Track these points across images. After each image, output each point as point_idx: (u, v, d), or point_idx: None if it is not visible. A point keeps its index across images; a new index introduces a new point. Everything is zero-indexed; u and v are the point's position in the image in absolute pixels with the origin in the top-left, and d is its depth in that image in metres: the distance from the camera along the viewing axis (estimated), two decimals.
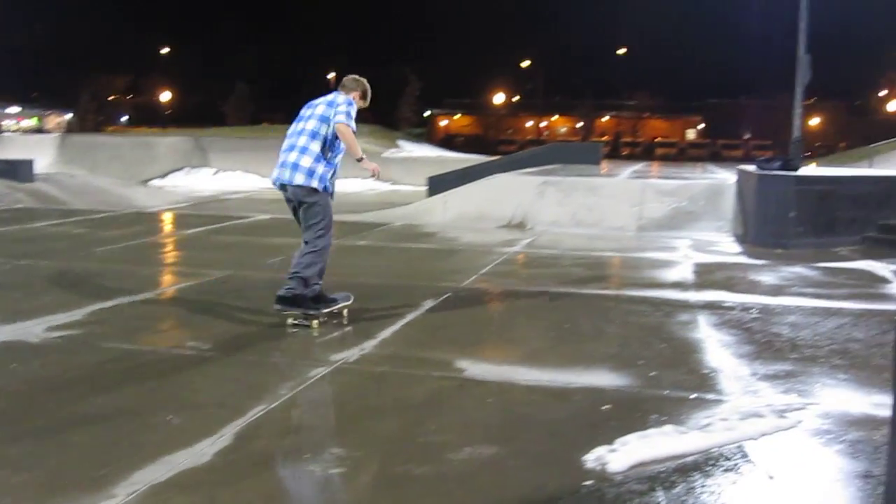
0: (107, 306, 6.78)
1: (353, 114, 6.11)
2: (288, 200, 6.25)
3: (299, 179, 5.96)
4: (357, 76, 6.51)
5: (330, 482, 3.43)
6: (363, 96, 6.46)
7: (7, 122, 61.24)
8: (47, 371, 5.00)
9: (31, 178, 18.66)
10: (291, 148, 6.08)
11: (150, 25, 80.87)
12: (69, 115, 69.97)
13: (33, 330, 5.90)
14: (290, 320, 6.09)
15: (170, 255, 10.47)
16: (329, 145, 6.08)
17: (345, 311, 6.33)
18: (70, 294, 7.23)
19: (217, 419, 4.11)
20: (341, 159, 6.29)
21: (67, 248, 10.26)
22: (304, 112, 6.22)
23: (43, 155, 27.31)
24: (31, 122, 67.21)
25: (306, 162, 5.98)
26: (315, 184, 5.98)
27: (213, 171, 28.87)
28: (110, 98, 79.24)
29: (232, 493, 3.31)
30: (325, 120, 6.05)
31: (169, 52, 79.77)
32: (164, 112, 75.83)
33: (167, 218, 15.02)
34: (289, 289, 5.96)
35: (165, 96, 77.61)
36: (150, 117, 72.79)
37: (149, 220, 14.27)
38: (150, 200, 18.14)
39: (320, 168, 6.03)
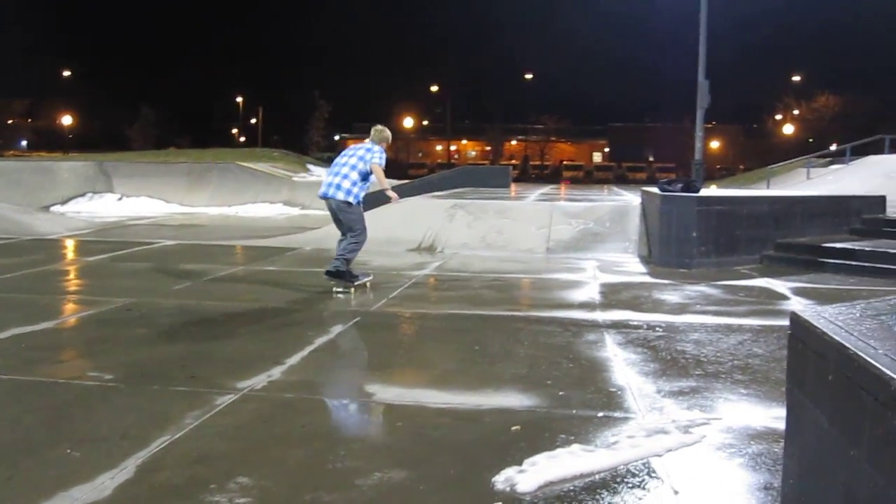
0: (3, 337, 6.52)
1: (385, 158, 8.93)
2: (329, 209, 8.95)
3: (340, 196, 8.73)
4: (382, 127, 9.22)
5: None
6: (389, 145, 9.27)
7: None
8: None
9: None
10: (336, 174, 8.82)
11: (50, 47, 78.85)
12: None
13: None
14: (334, 289, 8.88)
15: (71, 283, 10.14)
16: (362, 177, 8.80)
17: (367, 284, 9.17)
18: None
19: (119, 451, 3.98)
20: (362, 187, 8.91)
21: None
22: (348, 152, 9.06)
23: None
24: None
25: (346, 184, 8.73)
26: (350, 199, 8.75)
27: (118, 196, 28.16)
28: (9, 122, 76.77)
29: None
30: (363, 160, 8.83)
31: (71, 76, 77.90)
32: (66, 136, 73.92)
33: (69, 245, 14.57)
34: (336, 266, 8.77)
35: (67, 120, 75.68)
36: (51, 142, 70.88)
37: (49, 248, 13.82)
38: (50, 227, 17.56)
39: (355, 189, 8.76)
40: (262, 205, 27.37)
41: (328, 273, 8.79)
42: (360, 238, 8.97)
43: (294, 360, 5.87)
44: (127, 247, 13.59)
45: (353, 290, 8.80)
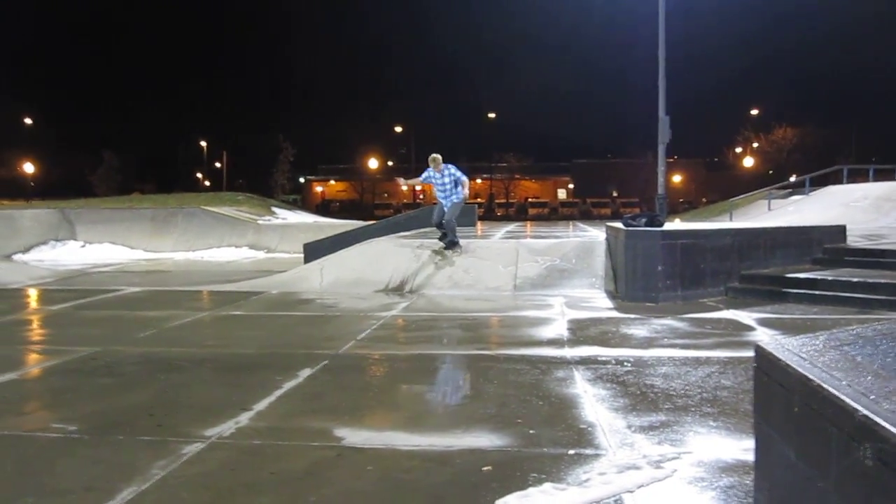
0: None
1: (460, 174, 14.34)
2: (440, 208, 14.33)
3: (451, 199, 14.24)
4: (435, 154, 14.27)
5: None
6: (437, 166, 14.23)
7: None
8: None
9: None
10: (443, 190, 14.27)
11: (9, 94, 78.27)
12: None
13: None
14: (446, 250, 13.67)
15: (34, 332, 9.98)
16: (455, 186, 14.19)
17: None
18: None
19: None
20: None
21: None
22: (437, 177, 14.22)
23: None
24: None
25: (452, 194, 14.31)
26: (455, 199, 14.14)
27: (81, 243, 27.82)
28: None
29: None
30: (452, 176, 14.13)
31: (32, 123, 77.36)
32: (28, 184, 73.18)
33: (31, 294, 14.38)
34: (446, 237, 14.11)
35: (29, 168, 74.99)
36: (13, 190, 70.07)
37: (11, 297, 13.61)
38: (12, 276, 17.31)
39: (454, 196, 14.16)
40: (227, 248, 27.18)
41: (444, 244, 14.18)
42: (456, 212, 14.25)
43: (262, 405, 5.81)
44: (91, 294, 13.43)
45: (459, 251, 14.08)
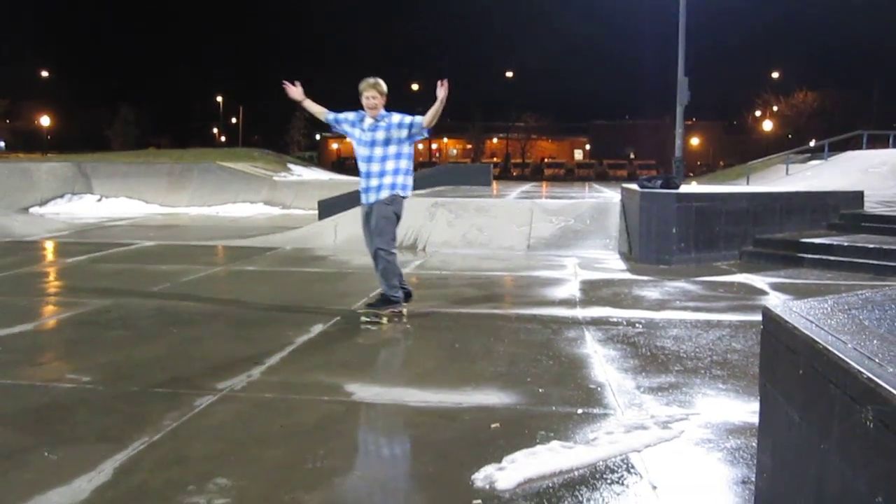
0: None
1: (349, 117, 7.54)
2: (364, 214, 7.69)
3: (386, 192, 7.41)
4: (377, 79, 7.44)
5: None
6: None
7: None
8: None
9: None
10: (369, 158, 7.41)
11: (28, 47, 78.24)
12: None
13: None
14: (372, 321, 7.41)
15: (50, 284, 10.07)
16: (398, 158, 7.40)
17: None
18: None
19: (96, 453, 3.96)
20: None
21: None
22: (368, 128, 7.35)
23: None
24: None
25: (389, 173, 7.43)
26: (392, 192, 7.32)
27: (97, 197, 27.98)
28: None
29: None
30: (400, 128, 7.38)
31: (49, 76, 77.36)
32: (44, 137, 73.35)
33: (47, 247, 14.48)
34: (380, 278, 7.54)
35: (45, 121, 75.12)
36: (29, 143, 70.31)
37: (27, 250, 13.72)
38: (28, 229, 17.45)
39: (388, 185, 7.33)
40: (242, 205, 27.26)
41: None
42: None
43: (274, 360, 5.86)
44: (106, 248, 13.51)
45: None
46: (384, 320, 7.15)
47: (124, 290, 9.05)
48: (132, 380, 5.35)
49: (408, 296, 7.55)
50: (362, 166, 7.30)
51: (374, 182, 7.22)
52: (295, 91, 7.61)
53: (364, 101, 7.24)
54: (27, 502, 3.38)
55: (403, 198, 7.35)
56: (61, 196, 27.88)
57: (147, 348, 6.24)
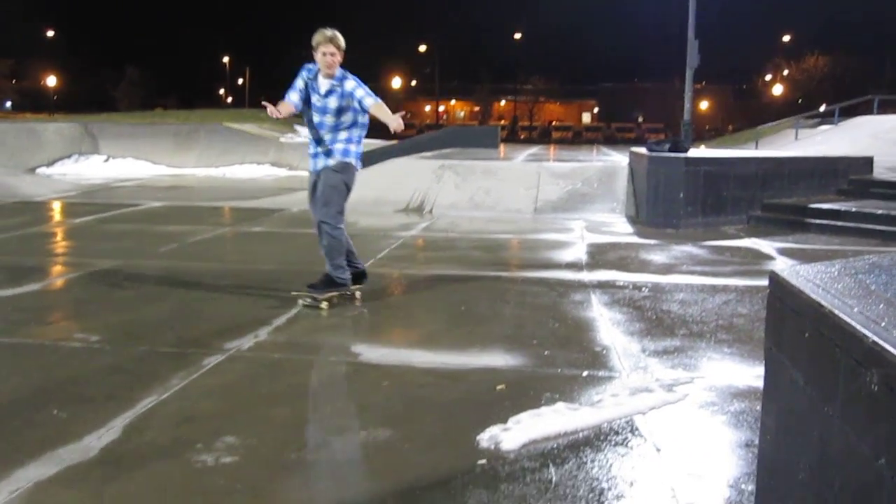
0: None
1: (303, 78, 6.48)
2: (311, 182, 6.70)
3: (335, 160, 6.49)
4: (333, 31, 6.38)
5: (222, 471, 3.37)
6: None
7: None
8: None
9: None
10: (321, 124, 6.50)
11: (33, 7, 77.78)
12: None
13: None
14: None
15: (57, 244, 10.10)
16: (352, 127, 6.52)
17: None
18: None
19: (105, 411, 4.00)
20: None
21: None
22: (323, 90, 6.37)
23: None
24: None
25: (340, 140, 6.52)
26: (340, 159, 6.43)
27: (104, 158, 27.89)
28: None
29: (120, 486, 3.22)
30: (351, 96, 6.36)
31: (55, 35, 77.01)
32: (51, 97, 73.18)
33: (55, 207, 14.49)
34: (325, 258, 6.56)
35: (52, 81, 74.89)
36: (36, 103, 70.12)
37: (35, 210, 13.74)
38: (35, 189, 17.44)
39: (340, 151, 6.44)
40: (249, 166, 27.18)
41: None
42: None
43: (280, 320, 5.88)
44: (113, 208, 13.53)
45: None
46: (324, 305, 6.24)
47: (132, 250, 9.07)
48: (140, 339, 5.38)
49: (360, 276, 6.68)
50: (312, 132, 6.46)
51: (323, 148, 6.37)
52: (274, 111, 6.33)
53: (319, 58, 6.25)
54: (38, 459, 3.42)
55: (356, 168, 6.47)
56: (68, 157, 27.82)
57: (155, 308, 6.27)
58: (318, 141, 6.39)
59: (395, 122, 6.05)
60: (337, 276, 6.34)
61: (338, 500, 3.14)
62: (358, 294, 6.59)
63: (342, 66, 6.35)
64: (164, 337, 5.44)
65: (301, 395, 4.33)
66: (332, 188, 6.31)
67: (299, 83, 6.41)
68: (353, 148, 6.42)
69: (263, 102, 6.35)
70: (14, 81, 79.79)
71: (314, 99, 6.35)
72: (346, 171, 6.36)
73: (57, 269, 8.31)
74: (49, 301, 6.87)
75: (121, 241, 9.95)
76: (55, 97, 74.73)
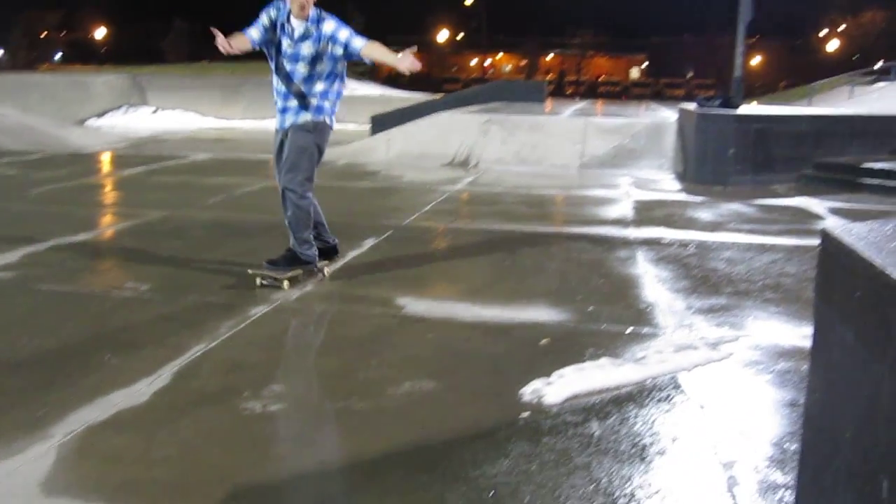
0: (42, 248, 6.64)
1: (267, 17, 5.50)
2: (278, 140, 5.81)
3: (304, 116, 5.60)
4: None
5: (269, 418, 3.43)
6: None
7: None
8: None
9: None
10: (291, 73, 5.57)
11: None
12: None
13: None
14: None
15: (107, 196, 10.27)
16: (330, 78, 5.62)
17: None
18: (3, 236, 7.05)
19: (155, 359, 4.08)
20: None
21: (0, 190, 10.01)
22: (295, 30, 5.44)
23: None
24: None
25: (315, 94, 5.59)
26: (311, 117, 5.56)
27: (153, 109, 28.14)
28: (42, 34, 76.54)
29: (170, 431, 3.30)
30: (328, 39, 5.44)
31: None
32: (100, 49, 73.70)
33: (104, 158, 14.69)
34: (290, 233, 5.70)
35: (101, 33, 75.42)
36: (85, 55, 70.66)
37: (84, 161, 13.94)
38: (85, 141, 17.67)
39: (314, 107, 5.59)
40: None
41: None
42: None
43: (326, 272, 5.93)
44: (162, 160, 13.68)
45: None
46: (285, 285, 5.47)
47: (180, 201, 9.18)
48: (189, 289, 5.47)
49: (329, 252, 5.93)
50: (280, 84, 5.55)
51: (292, 102, 5.49)
52: (224, 43, 5.23)
53: None
54: (91, 403, 3.51)
55: (330, 128, 5.66)
56: (117, 108, 28.10)
57: (203, 259, 6.36)
58: (288, 94, 5.51)
59: (403, 62, 5.11)
60: (301, 252, 5.58)
61: (384, 448, 3.18)
62: (326, 271, 5.83)
63: (316, 4, 5.41)
64: (211, 287, 5.53)
65: (346, 346, 4.38)
66: (300, 150, 5.49)
67: (264, 20, 5.46)
68: (327, 104, 5.56)
69: (213, 30, 5.31)
70: (63, 33, 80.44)
71: (285, 44, 5.42)
72: (318, 131, 5.54)
73: (107, 219, 8.45)
74: (100, 251, 7.00)
75: (169, 192, 10.07)
76: (104, 49, 75.22)
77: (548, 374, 3.86)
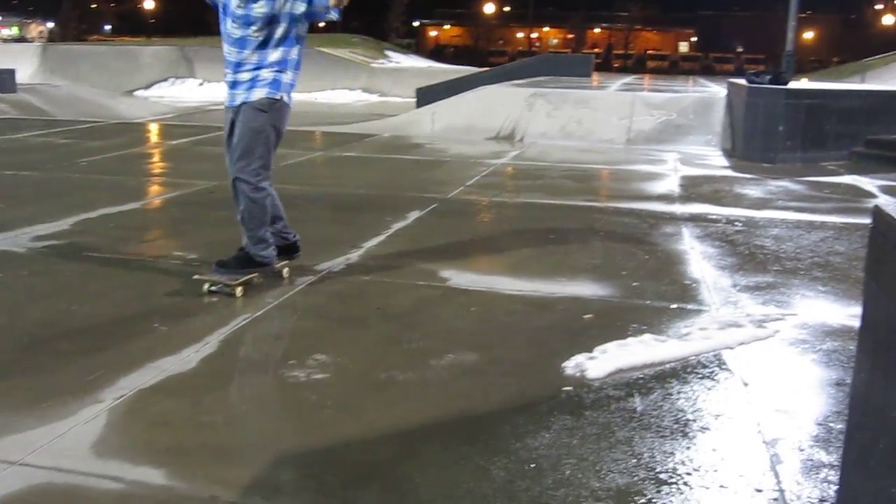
0: (92, 216, 6.75)
1: None
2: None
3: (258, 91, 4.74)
4: None
5: (314, 387, 3.48)
6: None
7: None
8: (34, 280, 5.01)
9: (13, 89, 18.32)
10: (242, 42, 4.64)
11: None
12: (50, 24, 68.57)
13: (19, 240, 5.88)
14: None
15: (155, 165, 10.39)
16: (285, 43, 4.70)
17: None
18: (55, 204, 7.18)
19: (203, 326, 4.15)
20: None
21: (51, 159, 10.17)
22: None
23: (25, 64, 26.81)
24: (12, 31, 65.84)
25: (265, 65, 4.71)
26: (264, 93, 4.71)
27: (199, 81, 28.44)
28: (93, 6, 77.33)
29: (217, 397, 3.36)
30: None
31: None
32: (148, 21, 74.26)
33: (152, 129, 14.87)
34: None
35: (150, 4, 75.97)
36: (134, 26, 71.33)
37: (133, 131, 14.13)
38: (134, 111, 17.92)
39: (266, 80, 4.70)
40: (341, 91, 27.38)
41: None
42: None
43: (371, 243, 5.97)
44: (208, 131, 13.79)
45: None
46: (237, 292, 4.65)
47: (226, 172, 9.23)
48: None
49: (290, 250, 5.10)
50: (230, 53, 4.68)
51: (244, 76, 4.64)
52: None
53: None
54: (141, 368, 3.58)
55: (288, 105, 4.83)
56: (164, 80, 28.45)
57: None
58: (239, 65, 4.65)
59: None
60: (256, 253, 4.80)
61: (425, 419, 3.21)
62: (286, 272, 5.05)
63: None
64: None
65: (390, 318, 4.41)
66: (253, 133, 4.72)
67: None
68: (286, 77, 4.71)
69: None
70: (113, 5, 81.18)
71: (233, 4, 4.55)
72: (274, 109, 4.72)
73: (155, 188, 8.56)
74: (149, 219, 7.11)
75: (216, 162, 10.08)
76: (152, 20, 75.80)
77: (590, 349, 3.86)
